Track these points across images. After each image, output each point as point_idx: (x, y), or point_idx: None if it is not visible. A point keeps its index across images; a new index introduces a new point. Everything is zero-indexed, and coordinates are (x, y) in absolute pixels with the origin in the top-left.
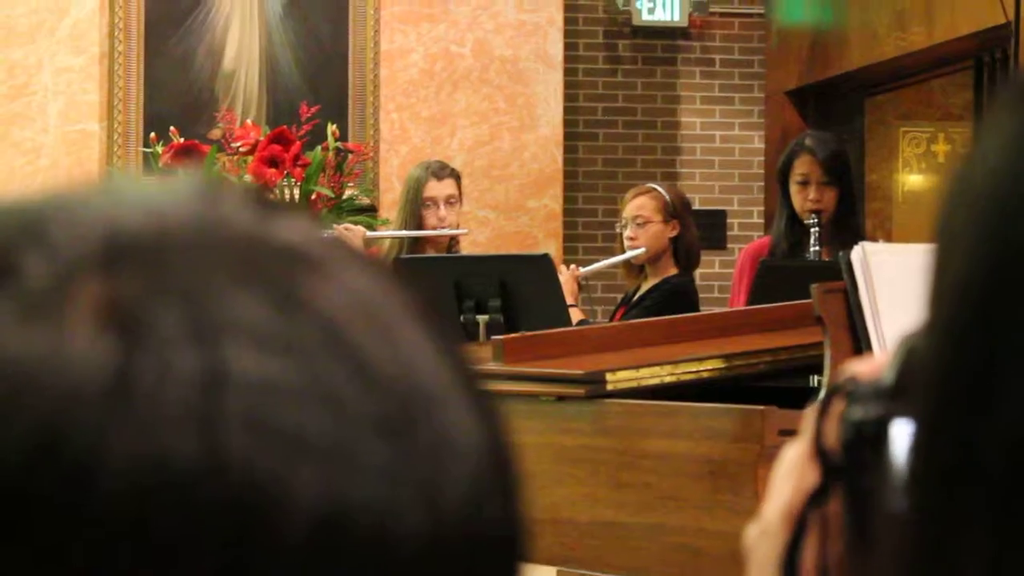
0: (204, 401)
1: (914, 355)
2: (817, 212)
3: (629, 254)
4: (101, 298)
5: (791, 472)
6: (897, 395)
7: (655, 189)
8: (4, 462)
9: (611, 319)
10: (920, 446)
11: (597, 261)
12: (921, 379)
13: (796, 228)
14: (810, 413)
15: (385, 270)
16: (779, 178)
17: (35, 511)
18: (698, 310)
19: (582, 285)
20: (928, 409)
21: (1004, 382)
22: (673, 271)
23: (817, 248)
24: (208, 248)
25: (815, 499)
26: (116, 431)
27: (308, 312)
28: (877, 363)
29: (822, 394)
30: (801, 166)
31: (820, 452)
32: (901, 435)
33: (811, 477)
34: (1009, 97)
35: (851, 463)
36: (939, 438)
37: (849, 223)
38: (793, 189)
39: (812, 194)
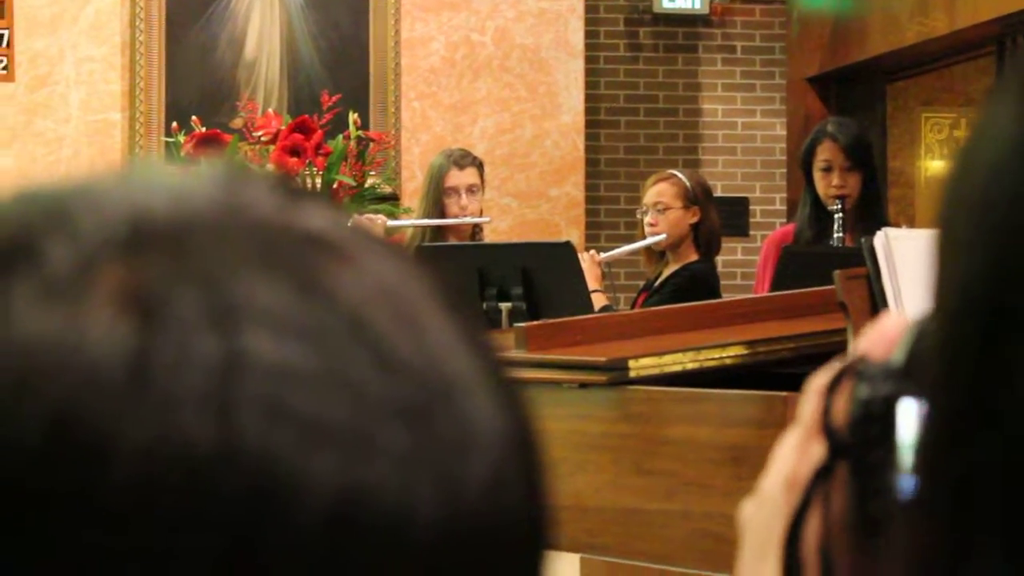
0: (221, 386)
1: (924, 337)
2: (841, 198)
3: (649, 240)
4: (122, 282)
5: (793, 446)
6: (907, 375)
7: (675, 175)
8: (20, 444)
9: (632, 306)
10: (927, 444)
11: (618, 247)
12: (927, 378)
13: (820, 215)
14: (812, 389)
15: (408, 258)
16: (802, 165)
17: (49, 493)
18: (719, 296)
19: (604, 272)
20: (934, 411)
21: (1009, 376)
22: (694, 257)
23: (841, 234)
24: (230, 234)
25: (820, 475)
26: (132, 414)
27: (330, 298)
28: (888, 343)
29: (824, 373)
30: (824, 152)
31: (827, 429)
32: (909, 415)
33: (816, 453)
34: (1010, 83)
35: (858, 441)
36: (946, 440)
37: (873, 209)
38: (816, 176)
39: (835, 180)
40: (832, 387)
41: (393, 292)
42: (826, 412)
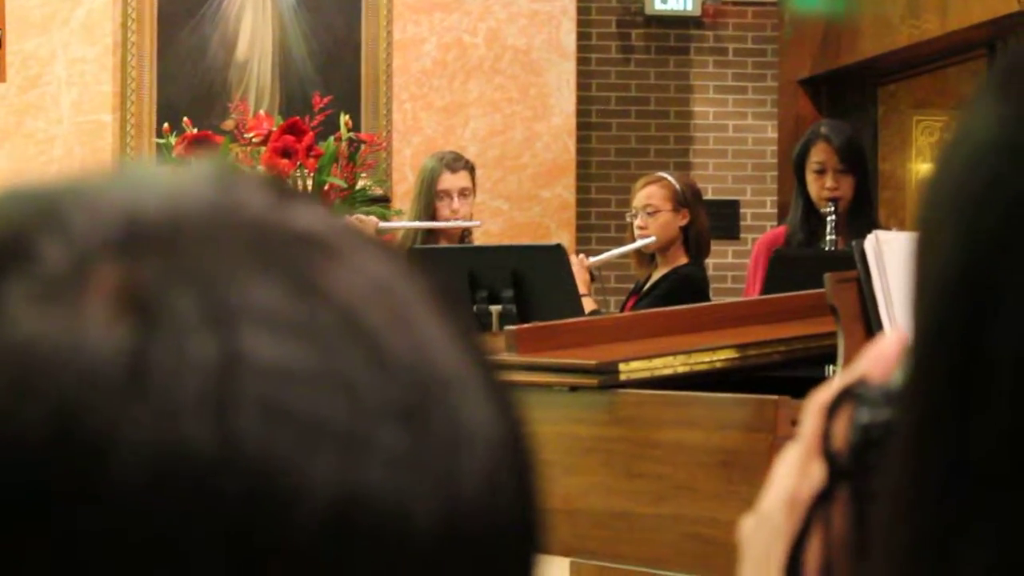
0: (219, 386)
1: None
2: (834, 200)
3: (639, 243)
4: (118, 283)
5: (792, 465)
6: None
7: (665, 178)
8: (19, 444)
9: (622, 309)
10: (910, 447)
11: (607, 251)
12: (908, 378)
13: (812, 217)
14: (811, 407)
15: (402, 257)
16: (795, 167)
17: (48, 495)
18: (709, 299)
19: (595, 275)
20: (918, 398)
21: (987, 378)
22: (683, 260)
23: (833, 237)
24: (224, 233)
25: (820, 499)
26: (130, 416)
27: (325, 297)
28: (887, 364)
29: (825, 390)
30: (817, 154)
31: (827, 454)
32: None
33: (817, 474)
34: (990, 85)
35: (858, 467)
36: (929, 428)
37: (866, 211)
38: (809, 178)
39: (829, 182)
40: (832, 408)
41: (387, 291)
42: (826, 435)
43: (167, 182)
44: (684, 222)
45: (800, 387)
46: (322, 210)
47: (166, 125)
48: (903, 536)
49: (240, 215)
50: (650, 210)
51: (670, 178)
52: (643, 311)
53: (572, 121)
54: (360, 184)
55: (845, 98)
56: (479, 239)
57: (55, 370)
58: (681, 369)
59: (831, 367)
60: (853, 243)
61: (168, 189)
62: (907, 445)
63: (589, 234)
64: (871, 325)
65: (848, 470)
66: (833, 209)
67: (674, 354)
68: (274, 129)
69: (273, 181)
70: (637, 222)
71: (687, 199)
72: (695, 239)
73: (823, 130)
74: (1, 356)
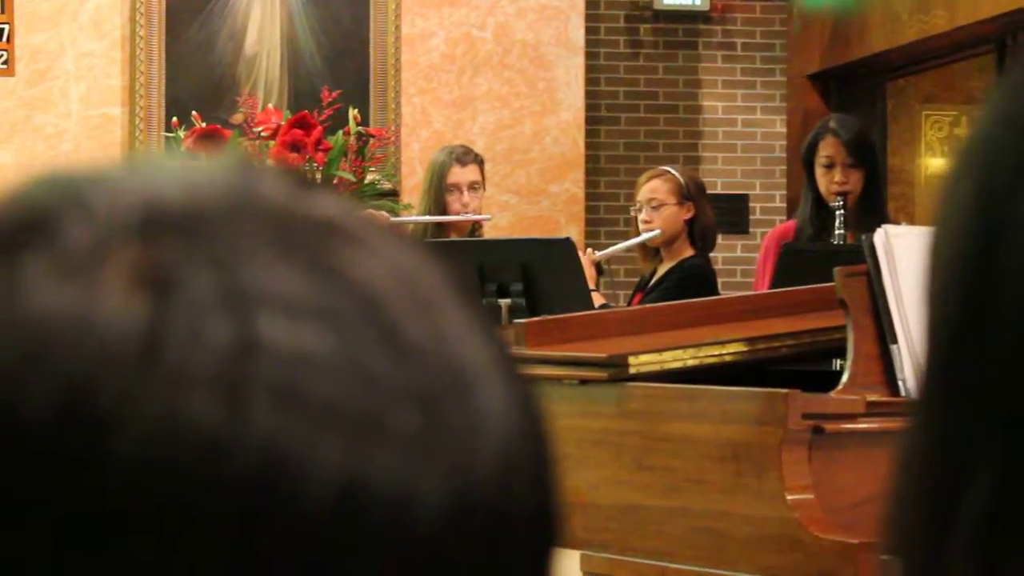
0: (232, 367)
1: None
2: (843, 194)
3: (644, 236)
4: (136, 262)
5: None
6: None
7: (668, 172)
8: (30, 416)
9: (629, 303)
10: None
11: (613, 245)
12: (927, 294)
13: (822, 211)
14: None
15: (423, 247)
16: (804, 162)
17: (57, 469)
18: (716, 291)
19: (603, 269)
20: (934, 328)
21: (994, 373)
22: (689, 253)
23: (843, 231)
24: (245, 219)
25: None
26: (142, 391)
27: (343, 282)
28: None
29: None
30: (826, 148)
31: None
32: None
33: None
34: (1005, 81)
35: None
36: (944, 351)
37: (875, 205)
38: (818, 172)
39: (838, 176)
40: None
41: (407, 278)
42: None
43: (190, 171)
44: (689, 215)
45: (810, 381)
46: (343, 200)
47: (175, 119)
48: (924, 473)
49: (261, 202)
50: (654, 204)
51: (674, 172)
52: (652, 304)
53: (581, 115)
54: (369, 178)
55: (854, 93)
56: (488, 233)
57: (68, 343)
58: (691, 362)
59: (840, 361)
60: (863, 237)
61: (191, 177)
62: (929, 378)
63: (598, 228)
64: (880, 319)
65: None
66: (842, 203)
67: (683, 347)
68: (283, 123)
69: (294, 173)
70: (642, 216)
71: (691, 192)
72: (700, 232)
73: (832, 124)
74: (16, 328)
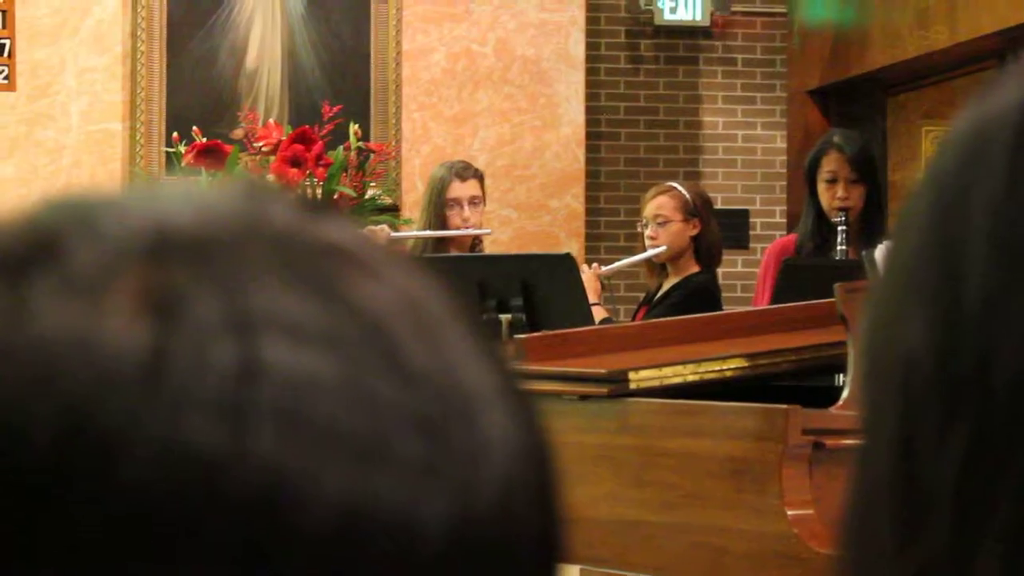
0: (236, 391)
1: None
2: (845, 210)
3: (650, 252)
4: (142, 285)
5: None
6: None
7: (675, 188)
8: (31, 440)
9: (633, 318)
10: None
11: (619, 260)
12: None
13: (823, 227)
14: None
15: (427, 270)
16: (806, 176)
17: (58, 489)
18: (720, 308)
19: (605, 284)
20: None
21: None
22: (695, 269)
23: (844, 247)
24: (252, 243)
25: None
26: (145, 414)
27: (349, 307)
28: None
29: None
30: (829, 164)
31: None
32: None
33: None
34: (975, 101)
35: None
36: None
37: (877, 221)
38: (821, 187)
39: (840, 192)
40: None
41: (412, 304)
42: None
43: (199, 196)
44: (695, 232)
45: (810, 396)
46: (350, 224)
47: (175, 134)
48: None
49: (269, 227)
50: (660, 220)
51: (680, 188)
52: (652, 320)
53: (581, 131)
54: (369, 193)
55: (854, 109)
56: (488, 248)
57: (72, 365)
58: (691, 378)
59: (841, 376)
60: (863, 252)
61: (200, 201)
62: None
63: (598, 243)
64: None
65: None
66: (844, 219)
67: (684, 363)
68: (283, 138)
69: (302, 196)
70: (648, 232)
71: (698, 209)
72: (706, 248)
73: (836, 140)
74: (20, 349)
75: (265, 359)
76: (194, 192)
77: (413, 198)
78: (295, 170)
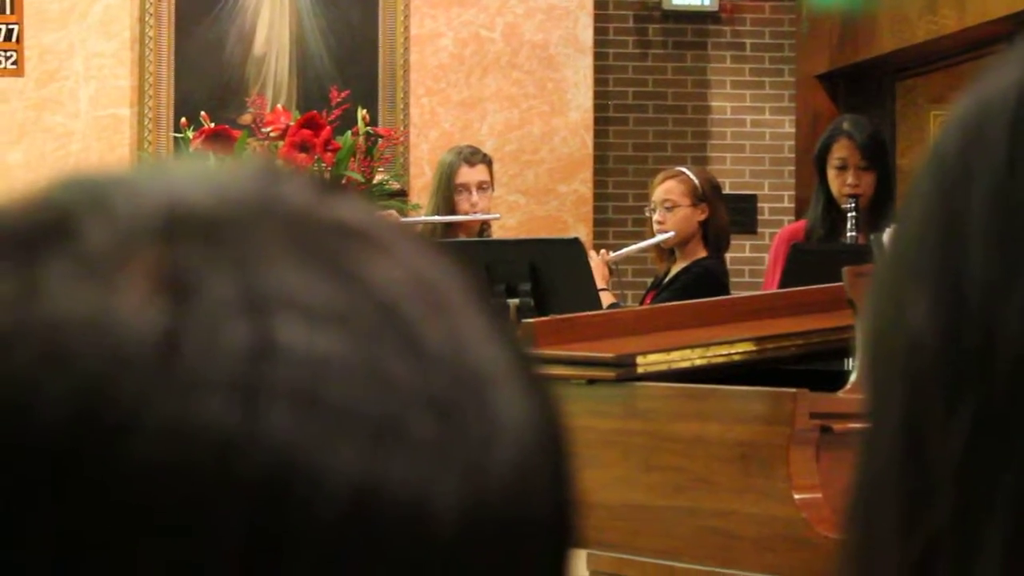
0: (250, 371)
1: None
2: (855, 196)
3: (658, 238)
4: (156, 264)
5: None
6: None
7: (683, 173)
8: (45, 420)
9: (641, 303)
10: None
11: (627, 245)
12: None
13: (833, 213)
14: None
15: (443, 251)
16: (816, 163)
17: (71, 467)
18: (728, 293)
19: (613, 269)
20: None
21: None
22: (703, 254)
23: (854, 233)
24: (265, 223)
25: None
26: (158, 393)
27: (363, 287)
28: None
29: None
30: (839, 150)
31: None
32: None
33: None
34: (975, 84)
35: None
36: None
37: (887, 207)
38: (831, 174)
39: (850, 178)
40: None
41: (426, 283)
42: None
43: (212, 176)
44: (703, 217)
45: (818, 380)
46: (364, 205)
47: (184, 119)
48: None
49: (282, 206)
50: (668, 205)
51: (689, 173)
52: (660, 304)
53: (589, 116)
54: (378, 178)
55: (863, 93)
56: (496, 233)
57: (85, 345)
58: (699, 362)
59: (849, 360)
60: (872, 236)
61: (212, 182)
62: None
63: (606, 228)
64: None
65: None
66: (854, 205)
67: (692, 347)
68: (291, 124)
69: (316, 177)
70: (656, 217)
71: (706, 194)
72: (714, 233)
73: (846, 126)
74: (33, 329)
75: (278, 339)
76: (207, 172)
77: (421, 183)
78: (303, 155)
